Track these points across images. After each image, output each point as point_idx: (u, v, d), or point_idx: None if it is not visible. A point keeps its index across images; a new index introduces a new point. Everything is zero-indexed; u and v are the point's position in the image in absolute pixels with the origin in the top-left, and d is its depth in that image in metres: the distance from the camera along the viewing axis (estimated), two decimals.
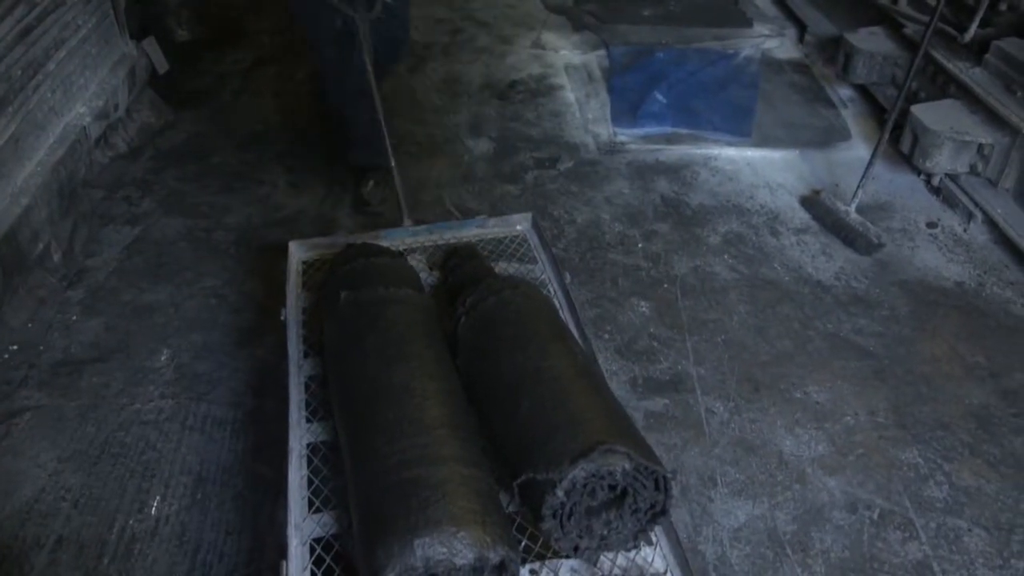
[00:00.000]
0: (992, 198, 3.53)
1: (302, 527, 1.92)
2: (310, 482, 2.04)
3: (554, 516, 1.77)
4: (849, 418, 2.69)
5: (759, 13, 5.51)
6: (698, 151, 4.11)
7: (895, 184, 3.84)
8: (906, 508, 2.40)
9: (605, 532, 1.83)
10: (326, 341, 2.32)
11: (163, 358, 2.87)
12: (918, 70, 3.52)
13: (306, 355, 2.44)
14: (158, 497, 2.40)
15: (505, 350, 2.11)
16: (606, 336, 2.98)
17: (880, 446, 2.59)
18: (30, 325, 2.96)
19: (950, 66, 3.79)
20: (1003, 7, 3.79)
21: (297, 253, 2.88)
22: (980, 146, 3.51)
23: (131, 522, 2.33)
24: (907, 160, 3.78)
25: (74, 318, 3.02)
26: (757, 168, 3.98)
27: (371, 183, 3.52)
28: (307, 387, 2.33)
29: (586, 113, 4.43)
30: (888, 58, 4.27)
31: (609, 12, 5.50)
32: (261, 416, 2.64)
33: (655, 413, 2.69)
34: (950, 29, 3.84)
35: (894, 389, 2.79)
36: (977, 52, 3.77)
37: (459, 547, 1.66)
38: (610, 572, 1.87)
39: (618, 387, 2.76)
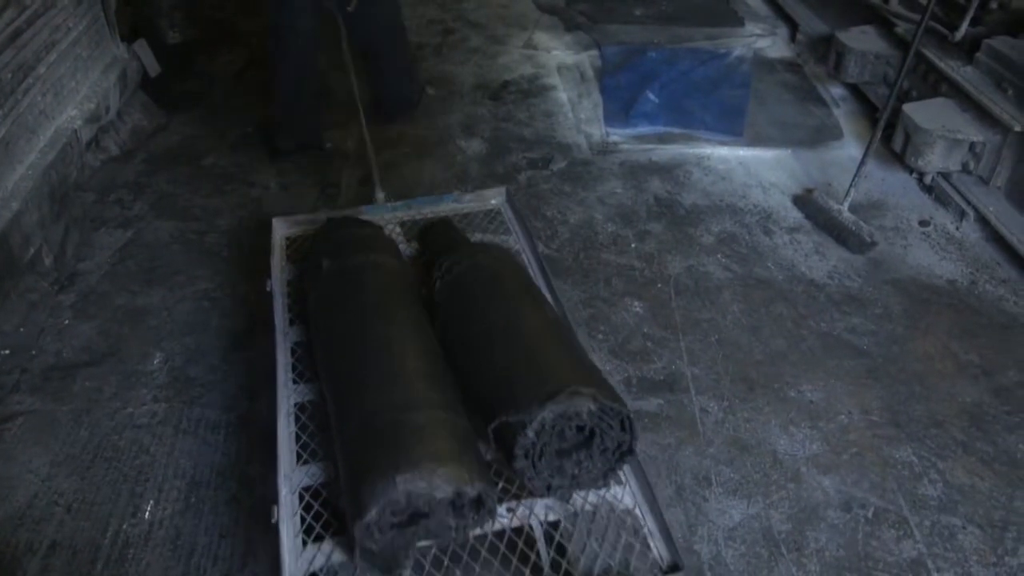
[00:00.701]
0: (984, 196, 3.54)
1: (291, 477, 2.04)
2: (298, 437, 2.16)
3: (526, 456, 1.88)
4: (843, 417, 2.69)
5: (751, 12, 5.52)
6: (691, 150, 4.12)
7: (887, 183, 3.84)
8: (900, 506, 2.41)
9: (576, 471, 1.94)
10: (310, 306, 2.43)
11: (156, 362, 2.86)
12: (909, 69, 3.53)
13: (291, 323, 2.55)
14: (152, 501, 2.39)
15: (479, 309, 2.23)
16: (600, 336, 2.98)
17: (874, 444, 2.60)
18: (22, 329, 2.95)
19: (941, 65, 3.80)
20: (994, 6, 3.79)
21: (280, 229, 2.97)
22: (972, 144, 3.52)
23: (125, 527, 2.32)
24: (899, 159, 3.79)
25: (66, 322, 3.01)
26: (750, 167, 3.99)
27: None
28: (293, 352, 2.44)
29: (579, 113, 4.43)
30: (880, 57, 4.28)
31: (601, 12, 5.50)
32: (254, 419, 2.63)
33: (649, 413, 2.69)
34: (941, 28, 3.85)
35: (888, 388, 2.80)
36: (968, 51, 3.78)
37: (439, 482, 1.75)
38: (582, 508, 1.97)
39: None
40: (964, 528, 2.35)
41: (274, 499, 2.00)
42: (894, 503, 2.42)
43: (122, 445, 2.56)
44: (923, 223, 3.60)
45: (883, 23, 4.41)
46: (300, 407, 2.26)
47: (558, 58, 5.03)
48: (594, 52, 5.01)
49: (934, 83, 3.90)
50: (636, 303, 3.13)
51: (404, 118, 4.28)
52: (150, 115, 4.20)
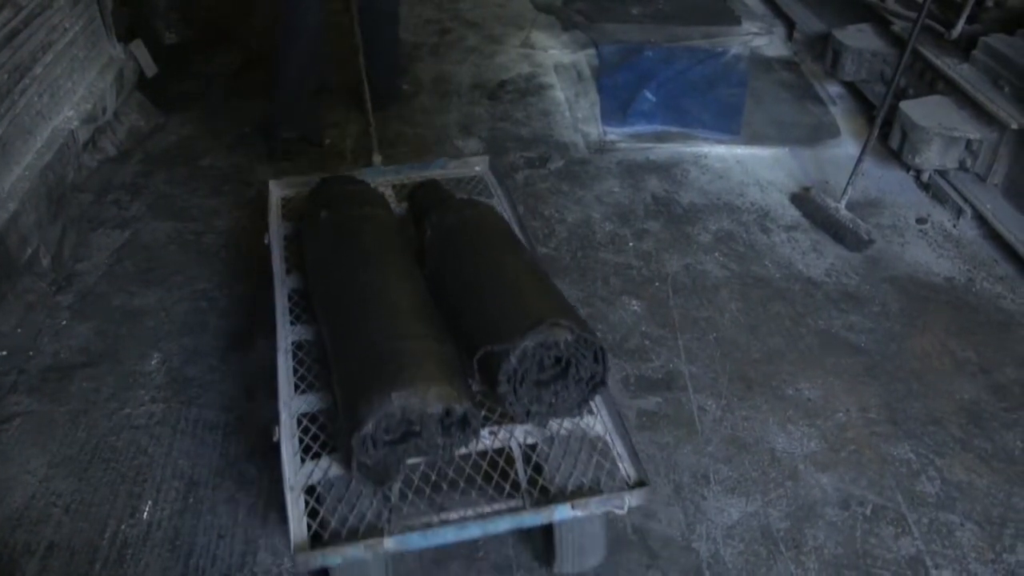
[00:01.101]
0: (981, 193, 3.54)
1: (290, 404, 2.22)
2: (295, 371, 2.34)
3: (508, 381, 2.03)
4: (841, 414, 2.69)
5: (747, 11, 5.53)
6: (688, 149, 4.12)
7: (884, 180, 3.85)
8: (898, 503, 2.41)
9: (553, 400, 2.11)
10: (309, 253, 2.61)
11: (154, 362, 2.85)
12: (906, 67, 3.53)
13: (288, 272, 2.73)
14: (150, 502, 2.39)
15: (467, 256, 2.41)
16: (598, 335, 2.97)
17: (872, 442, 2.60)
18: (19, 330, 2.95)
19: (938, 62, 3.80)
20: (990, 3, 3.80)
21: (276, 191, 3.17)
22: (968, 142, 3.53)
23: (123, 527, 2.31)
24: (896, 156, 3.79)
25: (64, 323, 3.00)
26: (747, 166, 3.99)
27: None
28: (290, 297, 2.62)
29: (576, 112, 4.43)
30: (876, 55, 4.29)
31: (598, 11, 5.50)
32: (253, 419, 2.63)
33: (647, 412, 2.69)
34: (937, 25, 3.85)
35: (885, 385, 2.80)
36: (964, 48, 3.78)
37: (431, 399, 1.92)
38: (558, 433, 2.15)
39: (610, 386, 2.76)
40: (962, 525, 2.35)
41: (276, 421, 2.16)
42: (892, 500, 2.42)
43: (120, 446, 2.55)
44: (920, 221, 3.61)
45: (880, 21, 4.42)
46: (297, 345, 2.42)
47: (555, 57, 5.03)
48: (591, 51, 5.01)
49: (931, 81, 3.91)
50: (634, 302, 3.14)
51: (387, 108, 4.32)
52: (147, 116, 4.20)
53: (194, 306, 3.10)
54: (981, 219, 3.50)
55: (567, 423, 2.17)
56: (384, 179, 3.21)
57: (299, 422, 2.18)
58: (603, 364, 2.11)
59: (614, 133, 4.23)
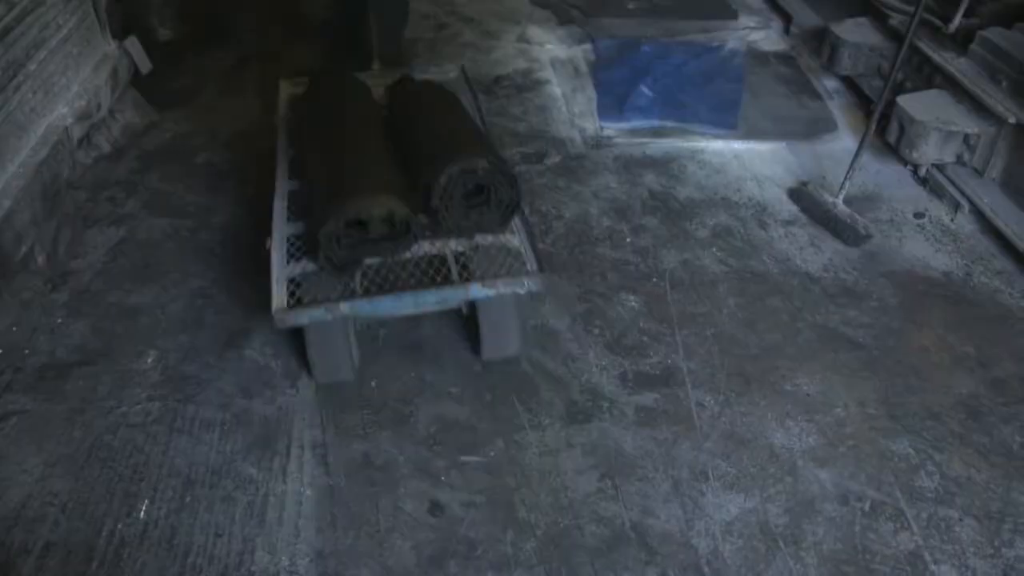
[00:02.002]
0: (979, 187, 3.54)
1: (282, 228, 2.80)
2: (288, 208, 2.91)
3: (440, 199, 2.64)
4: (839, 410, 2.69)
5: (744, 5, 5.51)
6: (685, 144, 4.11)
7: (882, 175, 3.84)
8: (897, 499, 2.41)
9: (479, 218, 2.72)
10: (304, 125, 3.18)
11: (150, 360, 2.84)
12: (904, 61, 3.52)
13: (290, 145, 3.27)
14: (146, 501, 2.38)
15: (421, 119, 3.06)
16: (595, 331, 2.97)
17: (871, 437, 2.60)
18: (15, 329, 2.93)
19: (935, 56, 3.79)
20: None
21: (286, 89, 3.71)
22: (966, 136, 3.52)
23: (120, 526, 2.31)
24: (894, 151, 3.78)
25: (59, 321, 2.99)
26: (744, 160, 3.98)
27: None
28: (290, 163, 3.16)
29: (572, 107, 4.42)
30: (874, 49, 4.28)
31: (594, 6, 5.48)
32: (249, 417, 2.63)
33: (645, 407, 2.68)
34: (935, 19, 3.84)
35: (884, 380, 2.80)
36: (962, 42, 3.78)
37: (377, 203, 2.53)
38: (482, 244, 2.73)
39: (608, 382, 2.76)
40: (961, 520, 2.35)
41: (269, 235, 2.74)
42: (891, 496, 2.42)
43: (116, 444, 2.54)
44: (918, 215, 3.60)
45: (877, 15, 4.41)
46: (291, 193, 2.99)
47: (551, 52, 5.01)
48: (587, 46, 5.00)
49: (928, 75, 3.90)
50: (632, 297, 3.13)
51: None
52: (142, 112, 4.18)
53: (190, 303, 3.08)
54: (979, 213, 3.50)
55: (490, 237, 2.74)
56: (377, 80, 3.68)
57: (288, 240, 2.74)
58: (517, 191, 2.70)
59: (611, 128, 4.22)
